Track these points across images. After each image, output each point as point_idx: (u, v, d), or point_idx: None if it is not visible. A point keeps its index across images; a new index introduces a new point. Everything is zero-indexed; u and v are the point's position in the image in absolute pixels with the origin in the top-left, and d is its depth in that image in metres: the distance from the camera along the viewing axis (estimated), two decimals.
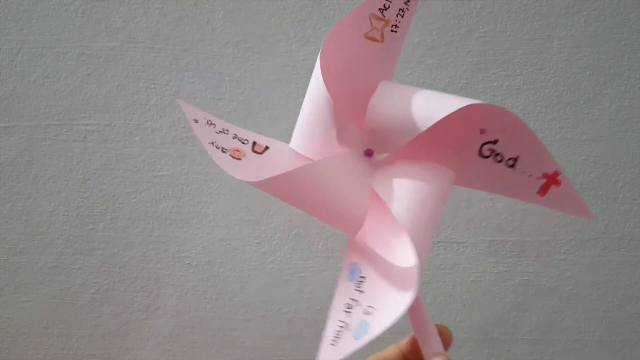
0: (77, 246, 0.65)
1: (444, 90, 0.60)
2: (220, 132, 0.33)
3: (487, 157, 0.32)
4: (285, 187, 0.31)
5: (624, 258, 0.63)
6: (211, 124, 0.33)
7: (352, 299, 0.30)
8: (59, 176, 0.64)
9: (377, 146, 0.33)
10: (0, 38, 0.62)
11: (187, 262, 0.65)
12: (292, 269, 0.64)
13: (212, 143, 0.32)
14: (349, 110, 0.33)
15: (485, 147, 0.32)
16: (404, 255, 0.31)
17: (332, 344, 0.28)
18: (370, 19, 0.32)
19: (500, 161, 0.32)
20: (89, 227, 0.64)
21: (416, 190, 0.31)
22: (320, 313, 0.65)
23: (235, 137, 0.33)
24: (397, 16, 0.32)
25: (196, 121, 0.33)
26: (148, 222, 0.64)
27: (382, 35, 0.32)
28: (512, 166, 0.32)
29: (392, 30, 0.32)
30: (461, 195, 0.62)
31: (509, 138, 0.31)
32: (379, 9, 0.31)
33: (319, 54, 0.32)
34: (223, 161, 0.31)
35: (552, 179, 0.32)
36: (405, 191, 0.31)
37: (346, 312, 0.29)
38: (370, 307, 0.29)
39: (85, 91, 0.62)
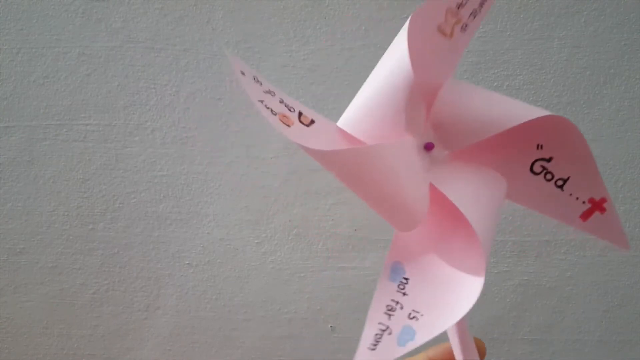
0: (77, 246, 0.65)
1: None
2: (267, 92, 0.30)
3: (538, 174, 0.31)
4: (344, 165, 0.28)
5: (624, 258, 0.63)
6: (257, 81, 0.30)
7: (394, 301, 0.28)
8: (59, 176, 0.64)
9: (439, 142, 0.31)
10: (0, 38, 0.62)
11: (187, 262, 0.65)
12: (292, 269, 0.64)
13: (262, 102, 0.28)
14: (422, 98, 0.31)
15: (538, 163, 0.31)
16: (462, 261, 0.29)
17: (372, 349, 0.26)
18: (446, 13, 0.30)
19: (550, 180, 0.31)
20: (89, 227, 0.64)
21: (480, 193, 0.30)
22: (320, 313, 0.65)
23: (282, 101, 0.30)
24: (469, 16, 0.31)
25: (243, 74, 0.29)
26: (148, 222, 0.64)
27: (452, 31, 0.30)
28: (560, 187, 0.31)
29: (462, 29, 0.31)
30: None
31: (564, 157, 0.31)
32: (456, 5, 0.30)
33: (406, 27, 0.30)
34: (274, 122, 0.28)
35: (597, 205, 0.31)
36: (469, 191, 0.30)
37: (387, 314, 0.27)
38: (415, 311, 0.27)
39: (85, 91, 0.62)
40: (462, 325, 0.30)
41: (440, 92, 0.31)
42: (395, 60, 0.30)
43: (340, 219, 0.63)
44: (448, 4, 0.29)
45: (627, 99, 0.61)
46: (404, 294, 0.28)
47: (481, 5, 0.31)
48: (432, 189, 0.30)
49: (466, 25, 0.31)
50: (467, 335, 0.31)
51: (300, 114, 0.30)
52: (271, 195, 0.63)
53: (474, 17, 0.31)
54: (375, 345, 0.26)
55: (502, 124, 0.29)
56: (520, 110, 0.29)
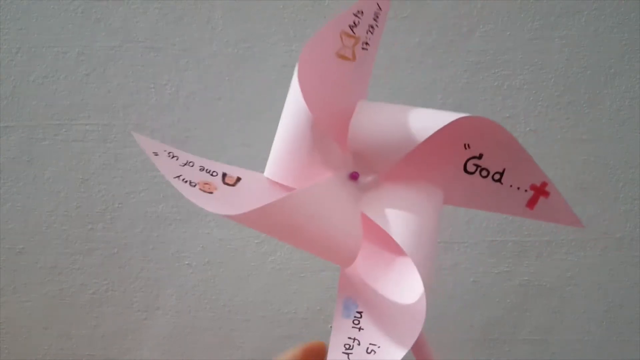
0: (77, 246, 0.65)
1: (444, 89, 0.60)
2: (185, 164, 0.30)
3: (473, 173, 0.31)
4: (269, 219, 0.28)
5: (624, 258, 0.63)
6: (173, 156, 0.30)
7: (351, 338, 0.27)
8: (58, 176, 0.64)
9: (363, 168, 0.31)
10: (0, 37, 0.62)
11: (187, 262, 0.65)
12: (292, 269, 0.64)
13: (178, 177, 0.29)
14: (331, 132, 0.31)
15: (470, 162, 0.31)
16: (404, 283, 0.29)
17: None
18: (341, 37, 0.30)
19: (486, 176, 0.31)
20: (88, 227, 0.64)
21: (411, 212, 0.30)
22: (320, 313, 0.65)
23: (202, 169, 0.30)
24: (367, 33, 0.31)
25: (156, 154, 0.30)
26: (148, 222, 0.64)
27: (353, 53, 0.31)
28: (498, 180, 0.31)
29: (363, 48, 0.31)
30: None
31: (493, 151, 0.30)
32: (349, 26, 0.30)
33: (295, 72, 0.30)
34: (194, 195, 0.28)
35: (540, 190, 0.31)
36: (400, 214, 0.30)
37: (346, 353, 0.27)
38: (372, 344, 0.27)
39: (85, 91, 0.62)
40: (423, 348, 0.30)
41: (352, 119, 0.31)
42: (293, 102, 0.30)
43: None
44: (340, 28, 0.29)
45: (628, 99, 0.61)
46: (360, 329, 0.28)
47: (376, 18, 0.30)
48: (365, 217, 0.30)
49: (366, 43, 0.31)
50: (428, 351, 0.30)
51: (224, 175, 0.31)
52: None
53: (372, 32, 0.31)
54: None
55: (419, 136, 0.29)
56: (433, 119, 0.29)
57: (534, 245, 0.63)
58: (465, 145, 0.30)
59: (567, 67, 0.60)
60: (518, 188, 0.31)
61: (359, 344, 0.27)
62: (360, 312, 0.28)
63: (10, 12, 0.61)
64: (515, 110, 0.61)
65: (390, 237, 0.28)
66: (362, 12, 0.30)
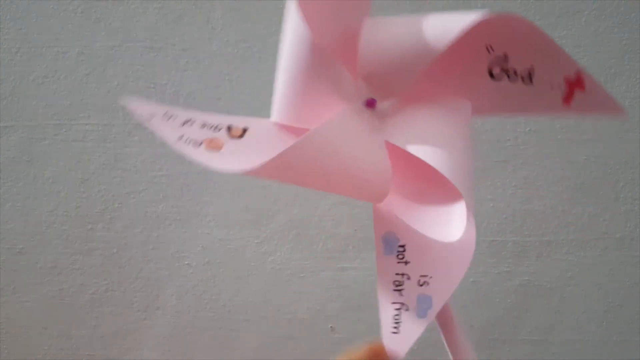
0: (77, 246, 0.65)
1: None
2: (185, 123, 0.28)
3: (500, 77, 0.28)
4: (288, 167, 0.25)
5: (624, 258, 0.63)
6: (170, 117, 0.28)
7: (399, 274, 0.26)
8: (58, 176, 0.64)
9: (379, 93, 0.28)
10: (0, 37, 0.62)
11: (187, 262, 0.65)
12: (292, 269, 0.64)
13: (180, 138, 0.27)
14: (337, 57, 0.28)
15: (496, 67, 0.28)
16: (446, 207, 0.27)
17: (395, 332, 0.24)
18: None
19: (514, 80, 0.28)
20: (88, 227, 0.64)
21: (438, 131, 0.27)
22: (320, 313, 0.65)
23: (204, 125, 0.28)
24: None
25: (151, 117, 0.28)
26: (147, 222, 0.64)
27: None
28: (529, 80, 0.28)
29: None
30: None
31: (518, 49, 0.27)
32: None
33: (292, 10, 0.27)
34: (201, 157, 0.26)
35: (575, 83, 0.28)
36: (426, 135, 0.27)
37: (397, 290, 0.25)
38: (423, 276, 0.25)
39: (85, 91, 0.62)
40: (449, 317, 0.28)
41: (359, 40, 0.28)
42: (291, 32, 0.28)
43: (340, 219, 0.63)
44: None
45: (628, 99, 0.60)
46: (406, 262, 0.26)
47: None
48: (391, 146, 0.27)
49: None
50: (453, 318, 0.28)
51: (229, 128, 0.28)
52: (271, 195, 0.63)
53: None
54: (396, 327, 0.24)
55: (436, 46, 0.26)
56: (449, 25, 0.26)
57: (534, 245, 0.63)
58: (487, 47, 0.28)
59: None
60: (551, 85, 0.28)
61: (408, 278, 0.25)
62: (403, 246, 0.26)
63: (10, 12, 0.61)
64: None
65: (421, 164, 0.26)
66: None
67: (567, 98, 0.28)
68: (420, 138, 0.27)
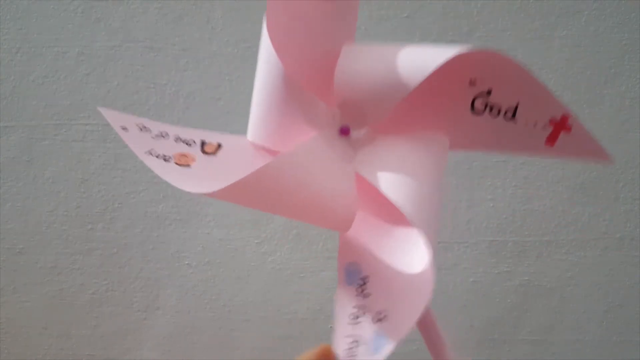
0: (77, 246, 0.65)
1: None
2: (158, 136, 0.27)
3: (482, 112, 0.27)
4: (254, 191, 0.25)
5: (624, 258, 0.63)
6: (144, 129, 0.27)
7: (358, 307, 0.25)
8: (58, 176, 0.64)
9: (353, 121, 0.28)
10: (0, 37, 0.62)
11: (187, 262, 0.65)
12: (292, 269, 0.64)
13: (150, 152, 0.26)
14: (312, 85, 0.27)
15: (478, 101, 0.27)
16: (410, 244, 0.26)
17: None
18: None
19: (497, 115, 0.27)
20: (88, 227, 0.64)
21: (410, 166, 0.26)
22: (320, 313, 0.65)
23: (177, 139, 0.27)
24: None
25: (125, 129, 0.27)
26: (147, 222, 0.64)
27: None
28: (512, 118, 0.27)
29: None
30: (461, 195, 0.62)
31: (503, 85, 0.26)
32: None
33: (264, 23, 0.27)
34: (169, 172, 0.25)
35: (560, 125, 0.27)
36: (397, 169, 0.26)
37: (353, 324, 0.24)
38: (379, 312, 0.24)
39: (85, 91, 0.62)
40: (428, 319, 0.27)
41: (337, 66, 0.27)
42: (264, 64, 0.28)
43: None
44: None
45: (628, 99, 0.60)
46: (365, 295, 0.25)
47: None
48: (362, 178, 0.27)
49: None
50: (437, 329, 0.28)
51: (203, 143, 0.27)
52: None
53: None
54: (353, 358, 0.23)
55: (416, 76, 0.25)
56: (430, 56, 0.25)
57: (534, 245, 0.63)
58: (470, 81, 0.27)
59: (567, 67, 0.60)
60: (535, 124, 0.27)
61: (364, 313, 0.24)
62: (364, 277, 0.26)
63: (10, 12, 0.61)
64: None
65: (390, 208, 0.25)
66: None
67: (552, 139, 0.27)
68: (389, 173, 0.26)
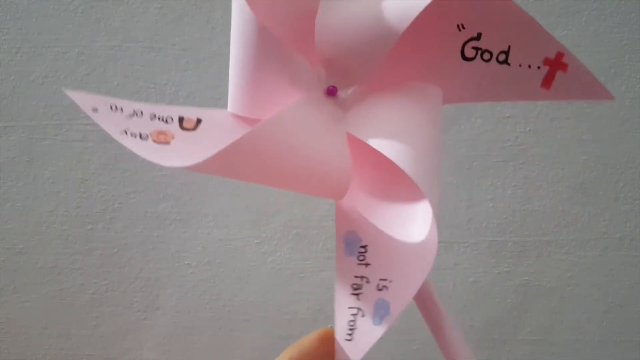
0: (77, 246, 0.65)
1: None
2: (132, 115, 0.26)
3: (473, 58, 0.26)
4: (240, 161, 0.23)
5: (624, 258, 0.63)
6: (116, 108, 0.26)
7: (358, 277, 0.24)
8: (58, 176, 0.64)
9: (340, 80, 0.26)
10: (0, 37, 0.62)
11: (187, 262, 0.65)
12: (292, 269, 0.64)
13: (125, 131, 0.25)
14: (292, 44, 0.25)
15: (468, 45, 0.25)
16: (409, 211, 0.25)
17: (348, 339, 0.23)
18: None
19: (489, 59, 0.26)
20: (88, 227, 0.64)
21: (404, 121, 0.25)
22: (320, 313, 0.65)
23: (154, 117, 0.26)
24: None
25: (95, 110, 0.26)
26: (147, 222, 0.64)
27: None
28: (504, 61, 0.26)
29: None
30: (461, 195, 0.62)
31: (493, 27, 0.25)
32: None
33: None
34: (146, 150, 0.24)
35: (556, 64, 0.25)
36: (391, 125, 0.25)
37: (355, 294, 0.23)
38: (383, 280, 0.23)
39: (85, 91, 0.62)
40: (426, 293, 0.26)
41: (316, 20, 0.25)
42: (238, 16, 0.26)
43: None
44: None
45: (628, 99, 0.60)
46: (366, 264, 0.24)
47: None
48: (353, 138, 0.25)
49: None
50: (438, 305, 0.27)
51: (180, 119, 0.26)
52: (271, 195, 0.63)
53: None
54: (350, 334, 0.23)
55: (398, 26, 0.24)
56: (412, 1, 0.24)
57: (534, 245, 0.63)
58: (458, 26, 0.25)
59: None
60: (529, 66, 0.25)
61: (367, 282, 0.23)
62: (364, 246, 0.25)
63: (10, 12, 0.61)
64: (515, 110, 0.61)
65: (385, 158, 0.24)
66: None
67: (548, 80, 0.26)
68: (383, 130, 0.25)
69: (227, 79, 0.69)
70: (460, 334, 0.27)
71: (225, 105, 0.68)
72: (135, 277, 0.65)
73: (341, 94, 0.26)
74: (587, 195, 0.62)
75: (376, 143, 0.24)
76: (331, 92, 0.26)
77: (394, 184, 0.25)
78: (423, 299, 0.26)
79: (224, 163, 0.23)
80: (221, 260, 0.64)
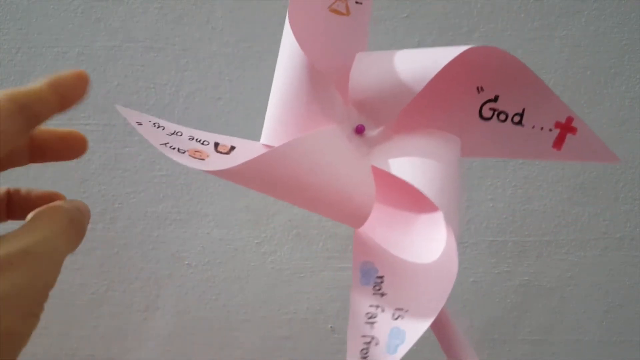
0: None
1: None
2: (173, 134, 0.28)
3: (490, 118, 0.28)
4: (269, 172, 0.25)
5: (624, 258, 0.63)
6: (159, 126, 0.28)
7: (374, 306, 0.25)
8: (58, 176, 0.64)
9: (368, 121, 0.29)
10: (0, 37, 0.62)
11: (187, 262, 0.65)
12: (292, 269, 0.64)
13: (165, 144, 0.27)
14: (332, 82, 0.29)
15: (486, 106, 0.28)
16: (426, 242, 0.26)
17: None
18: None
19: (504, 120, 0.28)
20: (88, 227, 0.64)
21: (429, 158, 0.27)
22: (320, 313, 0.65)
23: (191, 138, 0.28)
24: None
25: (140, 124, 0.28)
26: (147, 222, 0.64)
27: (347, 7, 0.28)
28: (519, 123, 0.28)
29: (357, 2, 0.28)
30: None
31: (510, 91, 0.28)
32: None
33: (287, 23, 0.28)
34: (183, 159, 0.26)
35: (566, 127, 0.28)
36: (416, 161, 0.27)
37: (369, 323, 0.24)
38: (398, 309, 0.24)
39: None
40: (443, 318, 0.27)
41: (352, 70, 0.28)
42: (286, 56, 0.28)
43: None
44: None
45: (628, 99, 0.60)
46: (382, 294, 0.25)
47: None
48: (378, 171, 0.27)
49: None
50: (455, 331, 0.28)
51: (216, 144, 0.28)
52: None
53: None
54: None
55: (423, 77, 0.26)
56: (435, 57, 0.27)
57: (534, 245, 0.63)
58: (478, 88, 0.28)
59: (567, 67, 0.60)
60: (542, 128, 0.28)
61: (382, 311, 0.25)
62: (381, 277, 0.26)
63: (10, 12, 0.61)
64: None
65: (407, 193, 0.26)
66: None
67: (559, 142, 0.28)
68: (405, 162, 0.27)
69: (227, 79, 0.69)
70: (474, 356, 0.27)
71: (225, 105, 0.68)
72: (135, 277, 0.65)
73: (368, 132, 0.29)
74: (587, 195, 0.62)
75: (400, 173, 0.26)
76: (359, 130, 0.29)
77: (415, 211, 0.27)
78: (440, 327, 0.27)
79: (253, 175, 0.24)
80: (221, 260, 0.64)
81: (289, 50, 0.28)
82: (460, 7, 0.59)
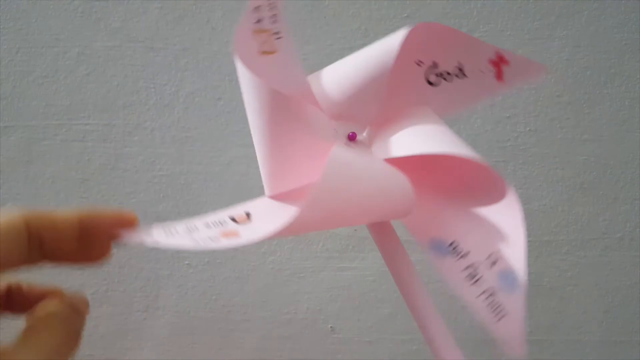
0: None
1: None
2: (191, 231, 0.28)
3: (438, 83, 0.31)
4: (317, 212, 0.25)
5: (624, 258, 0.63)
6: (173, 232, 0.28)
7: (466, 267, 0.26)
8: (58, 176, 0.64)
9: (354, 127, 0.31)
10: (0, 38, 0.62)
11: (187, 262, 0.65)
12: (291, 269, 0.64)
13: (197, 242, 0.26)
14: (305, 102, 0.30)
15: (431, 75, 0.31)
16: (471, 187, 0.28)
17: (500, 318, 0.24)
18: (254, 36, 0.29)
19: (449, 79, 0.31)
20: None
21: (420, 127, 0.29)
22: (320, 313, 0.65)
23: (208, 225, 0.28)
24: (272, 23, 0.30)
25: (158, 240, 0.28)
26: (147, 222, 0.64)
27: (272, 46, 0.30)
28: (462, 75, 0.31)
29: (277, 38, 0.30)
30: None
31: (442, 53, 0.31)
32: (255, 24, 0.29)
33: (245, 75, 0.29)
34: (225, 244, 0.26)
35: (498, 61, 0.31)
36: (410, 132, 0.29)
37: (475, 284, 0.26)
38: (490, 255, 0.26)
39: (85, 91, 0.62)
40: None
41: (313, 91, 0.30)
42: (255, 98, 0.29)
43: None
44: (250, 29, 0.28)
45: (628, 99, 0.61)
46: (465, 255, 0.27)
47: (272, 7, 0.30)
48: (390, 161, 0.29)
49: (277, 33, 0.30)
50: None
51: (232, 219, 0.28)
52: None
53: (276, 20, 0.30)
54: (498, 313, 0.25)
55: (382, 70, 0.29)
56: (386, 45, 0.30)
57: (534, 245, 0.63)
58: (417, 62, 0.31)
59: (567, 67, 0.60)
60: (482, 71, 0.31)
61: (477, 267, 0.26)
62: (452, 243, 0.27)
63: (10, 12, 0.61)
64: (515, 110, 0.61)
65: (426, 170, 0.28)
66: (259, 7, 0.30)
67: (499, 76, 0.31)
68: (406, 141, 0.29)
69: (227, 79, 0.69)
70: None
71: (225, 105, 0.68)
72: (135, 277, 0.65)
73: (359, 136, 0.31)
74: (587, 195, 0.62)
75: (408, 150, 0.28)
76: (352, 137, 0.31)
77: (445, 181, 0.29)
78: (425, 326, 0.29)
79: (305, 223, 0.25)
80: (221, 260, 0.64)
81: (256, 93, 0.29)
82: (460, 7, 0.59)
